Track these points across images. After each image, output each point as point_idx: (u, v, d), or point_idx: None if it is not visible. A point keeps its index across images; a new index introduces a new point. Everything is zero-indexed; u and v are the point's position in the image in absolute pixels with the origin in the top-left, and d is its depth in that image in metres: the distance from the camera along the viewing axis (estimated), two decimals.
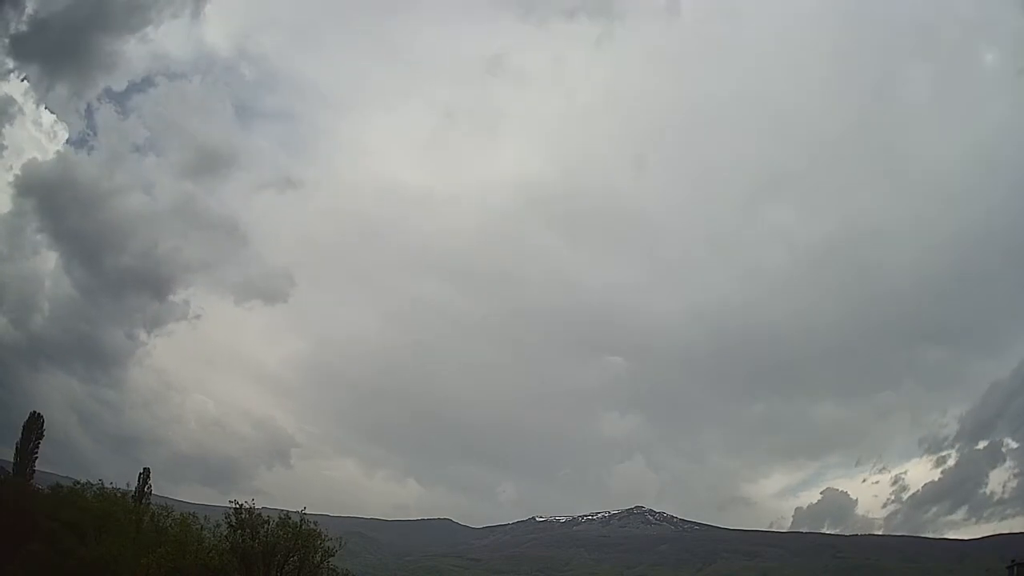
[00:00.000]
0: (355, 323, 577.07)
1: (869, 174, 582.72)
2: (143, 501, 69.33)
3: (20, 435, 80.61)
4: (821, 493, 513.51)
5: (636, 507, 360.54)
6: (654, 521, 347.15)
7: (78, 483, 62.27)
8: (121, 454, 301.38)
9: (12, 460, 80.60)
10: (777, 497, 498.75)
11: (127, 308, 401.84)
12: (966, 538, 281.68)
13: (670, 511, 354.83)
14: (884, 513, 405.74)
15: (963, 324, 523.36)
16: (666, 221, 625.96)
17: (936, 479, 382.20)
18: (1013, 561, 63.38)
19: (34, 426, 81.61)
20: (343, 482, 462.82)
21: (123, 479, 68.57)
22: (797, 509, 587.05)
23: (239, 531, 48.27)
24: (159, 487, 77.44)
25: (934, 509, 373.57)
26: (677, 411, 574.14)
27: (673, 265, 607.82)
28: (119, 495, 61.07)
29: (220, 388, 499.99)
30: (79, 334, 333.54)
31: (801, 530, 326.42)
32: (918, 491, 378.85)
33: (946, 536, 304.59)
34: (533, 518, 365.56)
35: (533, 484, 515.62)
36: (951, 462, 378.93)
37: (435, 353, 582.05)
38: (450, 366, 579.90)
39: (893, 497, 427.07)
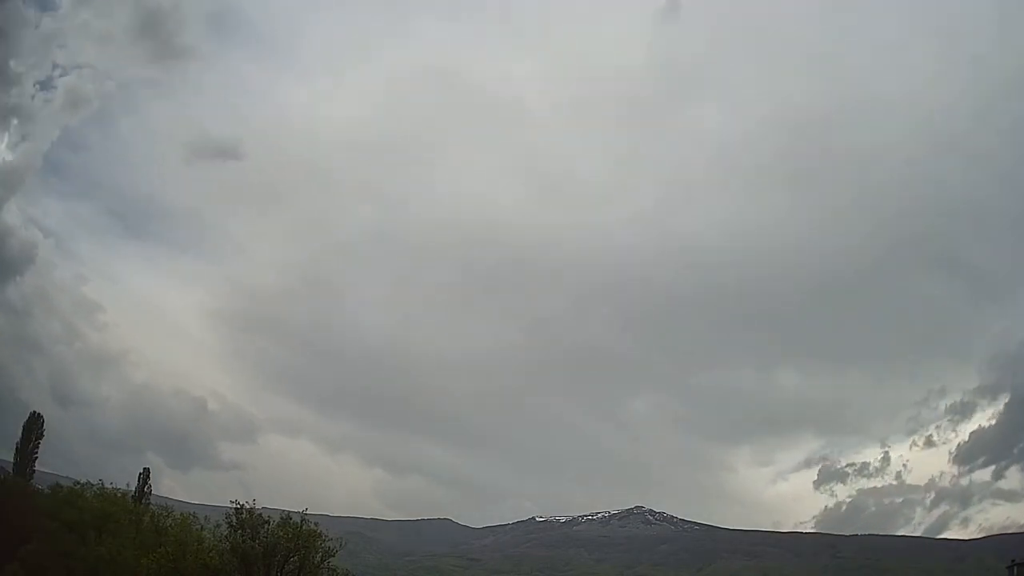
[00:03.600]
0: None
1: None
2: (143, 501, 69.52)
3: (20, 435, 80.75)
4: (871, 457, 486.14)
5: (636, 507, 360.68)
6: (654, 521, 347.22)
7: (78, 483, 62.37)
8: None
9: (12, 460, 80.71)
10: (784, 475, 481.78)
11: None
12: (966, 538, 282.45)
13: (670, 511, 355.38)
14: (925, 478, 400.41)
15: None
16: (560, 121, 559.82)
17: (984, 426, 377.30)
18: (1013, 561, 63.25)
19: (34, 426, 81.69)
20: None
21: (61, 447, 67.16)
22: (823, 466, 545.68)
23: (239, 531, 48.19)
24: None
25: (982, 476, 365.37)
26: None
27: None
28: (119, 495, 61.15)
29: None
30: None
31: (810, 522, 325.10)
32: (966, 439, 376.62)
33: (946, 536, 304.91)
34: (533, 518, 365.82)
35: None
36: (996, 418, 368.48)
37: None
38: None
39: (939, 460, 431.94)
